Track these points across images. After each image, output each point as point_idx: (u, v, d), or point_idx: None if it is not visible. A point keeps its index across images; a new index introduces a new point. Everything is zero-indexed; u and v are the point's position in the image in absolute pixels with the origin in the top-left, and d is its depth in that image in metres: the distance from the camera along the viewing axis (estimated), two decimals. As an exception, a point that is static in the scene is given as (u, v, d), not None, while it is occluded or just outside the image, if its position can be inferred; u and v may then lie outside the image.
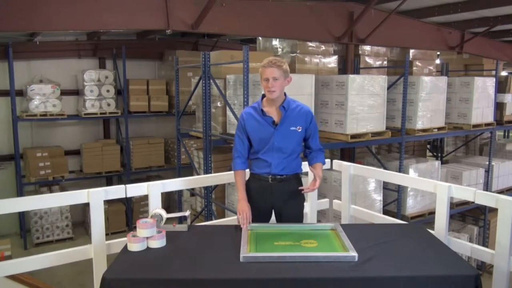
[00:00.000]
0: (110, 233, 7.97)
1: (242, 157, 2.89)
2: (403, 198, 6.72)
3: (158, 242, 2.40)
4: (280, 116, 2.79)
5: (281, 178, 2.84)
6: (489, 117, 7.79)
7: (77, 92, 8.88)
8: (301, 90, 5.45)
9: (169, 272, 2.13)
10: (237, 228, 2.65)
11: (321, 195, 5.26)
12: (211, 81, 5.46)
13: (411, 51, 7.78)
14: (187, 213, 2.81)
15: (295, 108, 2.82)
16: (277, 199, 2.86)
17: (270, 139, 2.79)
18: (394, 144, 8.11)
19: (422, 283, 2.12)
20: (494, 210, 6.90)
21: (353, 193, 5.39)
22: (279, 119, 2.79)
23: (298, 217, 2.96)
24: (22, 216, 8.05)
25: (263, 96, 2.87)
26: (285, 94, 2.84)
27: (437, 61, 9.06)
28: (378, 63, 7.65)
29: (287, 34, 6.37)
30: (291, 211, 2.91)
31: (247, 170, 2.98)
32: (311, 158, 2.94)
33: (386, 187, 6.65)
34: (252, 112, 2.85)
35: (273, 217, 2.99)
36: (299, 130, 2.81)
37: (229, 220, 3.71)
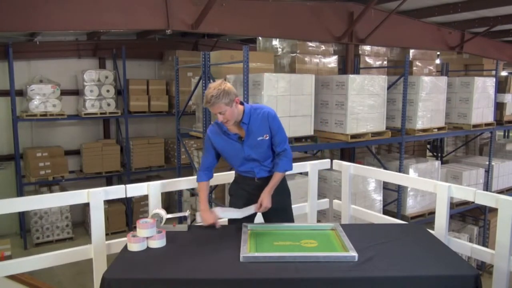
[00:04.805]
0: (110, 233, 7.96)
1: (206, 170, 2.93)
2: (403, 198, 6.72)
3: (158, 242, 2.40)
4: (244, 132, 2.77)
5: (267, 178, 2.87)
6: (489, 117, 7.79)
7: (77, 92, 8.87)
8: (301, 90, 5.45)
9: (169, 272, 2.13)
10: (237, 228, 2.65)
11: (321, 195, 5.27)
12: (211, 81, 5.46)
13: (411, 51, 7.78)
14: (187, 213, 2.82)
15: (257, 117, 2.76)
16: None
17: (242, 153, 2.80)
18: (394, 144, 8.11)
19: (422, 283, 2.12)
20: (494, 210, 6.90)
21: (353, 193, 5.38)
22: (244, 133, 2.77)
23: (285, 215, 2.97)
24: (22, 216, 8.05)
25: None
26: (242, 103, 2.77)
27: (437, 61, 9.06)
28: (378, 63, 7.65)
29: (287, 34, 6.37)
30: (278, 209, 2.91)
31: (233, 172, 3.03)
32: (274, 164, 2.88)
33: (386, 187, 6.65)
34: (217, 130, 2.84)
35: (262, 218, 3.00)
36: (267, 138, 2.78)
37: (229, 220, 3.71)
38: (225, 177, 3.53)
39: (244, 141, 2.77)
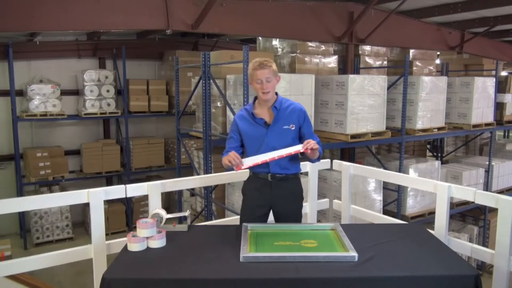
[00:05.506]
0: (110, 233, 7.97)
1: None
2: (403, 198, 6.72)
3: (158, 242, 2.40)
4: (272, 117, 2.82)
5: (281, 177, 2.85)
6: (489, 117, 7.79)
7: (77, 92, 8.87)
8: (301, 90, 5.45)
9: (169, 272, 2.13)
10: (237, 228, 2.65)
11: (321, 195, 5.27)
12: (211, 81, 5.46)
13: (411, 51, 7.78)
14: (187, 213, 2.81)
15: (288, 107, 2.84)
16: (276, 197, 2.87)
17: (264, 139, 2.81)
18: (394, 144, 8.11)
19: (422, 283, 2.12)
20: (494, 210, 6.91)
21: (353, 193, 5.38)
22: (271, 119, 2.82)
23: (296, 216, 2.97)
24: (22, 216, 8.04)
25: (255, 98, 2.90)
26: (276, 93, 2.87)
27: (437, 61, 9.06)
28: (378, 63, 7.65)
29: (287, 34, 6.37)
30: (290, 210, 2.92)
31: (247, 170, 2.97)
32: None
33: (386, 187, 6.65)
34: (244, 114, 2.90)
35: (272, 217, 2.99)
36: (292, 128, 2.82)
37: (229, 220, 3.72)
38: (226, 177, 3.53)
39: (270, 126, 2.81)
